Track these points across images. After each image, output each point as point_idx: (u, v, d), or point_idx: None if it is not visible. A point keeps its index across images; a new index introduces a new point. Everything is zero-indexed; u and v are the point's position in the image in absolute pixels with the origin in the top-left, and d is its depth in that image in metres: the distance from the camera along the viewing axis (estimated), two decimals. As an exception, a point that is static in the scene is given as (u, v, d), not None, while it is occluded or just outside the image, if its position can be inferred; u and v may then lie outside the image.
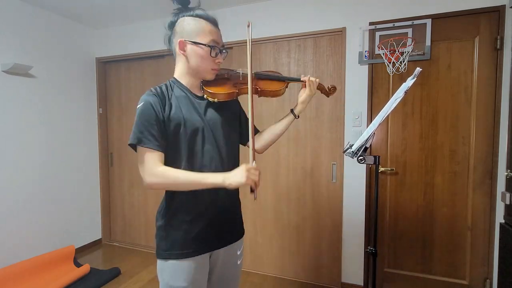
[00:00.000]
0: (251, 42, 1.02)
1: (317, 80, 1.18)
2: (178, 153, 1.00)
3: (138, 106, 0.97)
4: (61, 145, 2.80)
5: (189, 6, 1.04)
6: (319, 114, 2.32)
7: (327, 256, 2.36)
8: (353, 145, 1.36)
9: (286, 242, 2.47)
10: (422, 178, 2.10)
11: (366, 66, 2.16)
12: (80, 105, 2.99)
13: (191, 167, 0.99)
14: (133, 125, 0.96)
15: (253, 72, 1.11)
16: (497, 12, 1.88)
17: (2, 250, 2.35)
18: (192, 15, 1.01)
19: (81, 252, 2.99)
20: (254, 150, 1.02)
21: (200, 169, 0.99)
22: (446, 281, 2.09)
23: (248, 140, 1.20)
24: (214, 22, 1.03)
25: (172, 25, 1.03)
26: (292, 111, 1.19)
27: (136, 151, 0.97)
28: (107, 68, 3.19)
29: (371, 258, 1.46)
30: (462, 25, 1.95)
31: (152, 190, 3.00)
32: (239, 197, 1.19)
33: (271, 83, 1.17)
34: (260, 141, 1.22)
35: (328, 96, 1.31)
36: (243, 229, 1.21)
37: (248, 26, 1.00)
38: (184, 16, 1.01)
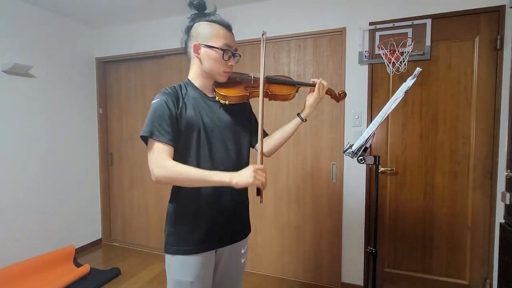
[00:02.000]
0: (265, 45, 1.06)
1: (326, 84, 1.21)
2: (188, 151, 1.04)
3: (152, 101, 1.02)
4: (61, 145, 2.80)
5: (205, 12, 1.08)
6: (319, 114, 2.32)
7: (327, 256, 2.36)
8: (353, 145, 1.36)
9: (286, 242, 2.47)
10: (422, 178, 2.10)
11: (366, 66, 2.16)
12: (80, 105, 2.99)
13: (199, 166, 1.02)
14: (146, 119, 1.00)
15: (264, 76, 1.13)
16: (497, 12, 1.88)
17: (2, 250, 2.35)
18: (207, 20, 1.06)
19: (81, 252, 2.99)
20: (262, 152, 1.04)
21: (208, 169, 1.01)
22: (446, 281, 2.09)
23: (257, 143, 1.23)
24: (228, 27, 1.08)
25: (188, 30, 1.09)
26: (298, 115, 1.21)
27: (146, 144, 1.00)
28: (107, 68, 3.19)
29: (371, 258, 1.46)
30: (462, 25, 1.95)
31: (152, 190, 3.01)
32: (248, 198, 1.21)
33: (282, 87, 1.21)
34: (268, 145, 1.23)
35: (338, 101, 1.36)
36: (249, 229, 1.24)
37: (263, 35, 1.06)
38: (200, 21, 1.06)
